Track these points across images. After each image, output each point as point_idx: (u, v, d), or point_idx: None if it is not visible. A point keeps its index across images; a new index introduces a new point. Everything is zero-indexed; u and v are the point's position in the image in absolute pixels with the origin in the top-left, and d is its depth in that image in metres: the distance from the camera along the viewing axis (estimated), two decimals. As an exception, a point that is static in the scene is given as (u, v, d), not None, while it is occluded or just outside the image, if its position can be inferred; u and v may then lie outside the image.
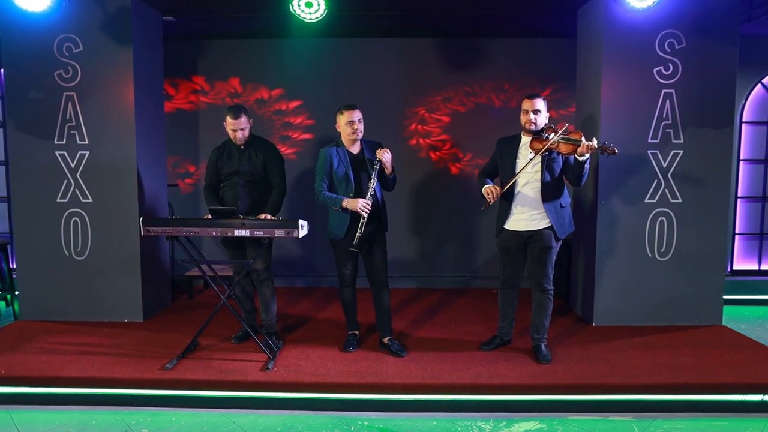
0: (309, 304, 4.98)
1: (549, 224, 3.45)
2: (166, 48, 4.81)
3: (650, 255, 4.22)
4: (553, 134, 3.38)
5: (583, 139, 3.26)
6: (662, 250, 4.22)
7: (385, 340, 3.71)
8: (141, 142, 4.29)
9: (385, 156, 3.41)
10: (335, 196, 3.45)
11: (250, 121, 3.74)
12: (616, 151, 3.24)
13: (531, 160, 3.40)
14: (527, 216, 3.48)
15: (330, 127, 5.78)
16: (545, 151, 3.38)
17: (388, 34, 5.42)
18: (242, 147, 3.74)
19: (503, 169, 3.57)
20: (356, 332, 3.80)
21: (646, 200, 4.19)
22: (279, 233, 3.25)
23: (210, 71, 5.60)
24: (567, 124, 3.41)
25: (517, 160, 3.51)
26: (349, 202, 3.38)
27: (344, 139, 3.50)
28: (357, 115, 3.45)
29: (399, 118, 5.56)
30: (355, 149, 3.52)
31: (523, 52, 5.47)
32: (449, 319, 4.53)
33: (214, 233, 3.28)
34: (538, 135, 3.45)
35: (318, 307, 4.90)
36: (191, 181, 5.71)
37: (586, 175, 3.37)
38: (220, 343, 3.86)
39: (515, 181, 3.45)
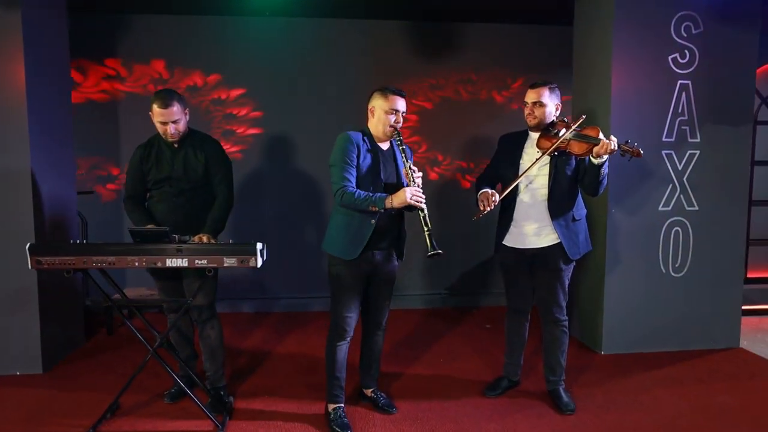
0: (261, 336, 4.10)
1: (557, 241, 2.80)
2: (68, 23, 3.78)
3: (664, 271, 3.68)
4: (563, 130, 2.73)
5: (601, 136, 2.62)
6: (677, 265, 3.69)
7: (369, 392, 2.91)
8: (36, 139, 3.26)
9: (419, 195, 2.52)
10: (371, 194, 2.51)
11: (186, 111, 2.84)
12: (642, 152, 2.63)
13: (537, 161, 2.74)
14: (531, 230, 2.82)
15: (282, 120, 4.95)
16: (554, 150, 2.72)
17: (352, 14, 4.61)
18: (176, 145, 2.84)
19: (505, 172, 2.89)
20: (342, 405, 2.74)
21: (659, 208, 3.64)
22: (230, 262, 2.39)
23: (127, 53, 4.55)
24: (583, 117, 2.76)
25: (521, 161, 2.84)
26: (395, 197, 2.47)
27: (377, 131, 2.65)
28: (403, 104, 2.63)
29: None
30: (386, 146, 2.72)
31: (495, 39, 4.81)
32: (434, 350, 3.80)
33: (137, 263, 2.36)
34: (547, 131, 2.80)
35: (273, 338, 4.03)
36: (114, 186, 4.64)
37: (605, 182, 2.74)
38: (149, 402, 2.92)
39: (516, 185, 2.78)
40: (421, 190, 2.49)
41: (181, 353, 2.97)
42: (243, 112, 4.71)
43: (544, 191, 2.79)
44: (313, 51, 4.67)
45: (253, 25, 4.60)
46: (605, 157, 2.61)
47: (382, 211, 2.51)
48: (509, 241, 2.88)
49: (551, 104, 2.80)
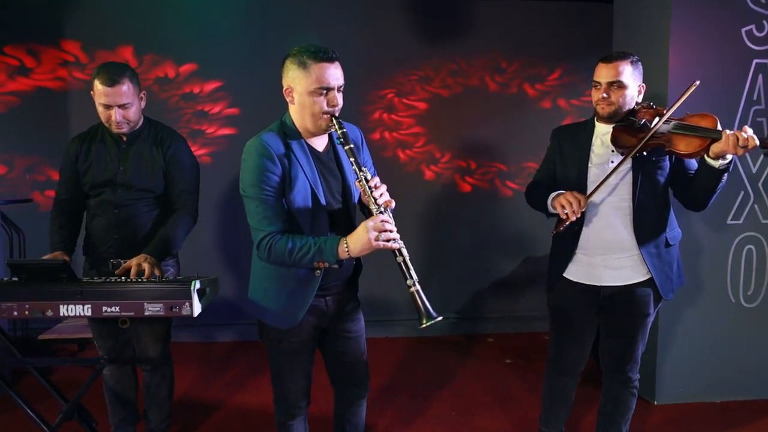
0: (232, 376, 3.37)
1: (646, 275, 2.06)
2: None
3: (733, 300, 2.93)
4: (656, 120, 1.97)
5: (719, 127, 1.88)
6: (750, 293, 2.94)
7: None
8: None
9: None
10: (313, 240, 1.66)
11: (143, 95, 2.18)
12: None
13: (617, 166, 1.99)
14: (608, 260, 2.07)
15: (260, 119, 4.24)
16: (641, 149, 1.97)
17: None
18: (124, 139, 2.18)
19: (565, 179, 2.15)
20: None
21: (728, 221, 2.89)
22: (153, 310, 1.66)
23: (89, 36, 3.87)
24: (693, 87, 1.94)
25: (589, 165, 2.10)
26: (352, 241, 1.64)
27: (303, 123, 1.74)
28: (338, 74, 1.69)
29: (359, 103, 4.04)
30: (322, 143, 1.81)
31: (528, 18, 4.08)
32: (442, 397, 3.07)
33: (16, 312, 1.65)
34: (627, 122, 2.04)
35: (246, 379, 3.30)
36: (54, 193, 3.95)
37: (719, 191, 1.98)
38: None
39: (590, 196, 2.02)
40: (390, 216, 1.63)
41: (114, 417, 2.27)
42: (216, 108, 4.01)
43: (627, 206, 2.04)
44: (304, 31, 3.93)
45: (232, 4, 3.90)
46: (729, 157, 1.87)
47: (336, 267, 1.68)
48: (575, 274, 2.12)
49: (634, 85, 2.03)
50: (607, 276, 2.07)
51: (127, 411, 2.32)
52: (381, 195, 1.65)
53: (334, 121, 1.69)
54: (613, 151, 2.05)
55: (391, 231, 1.62)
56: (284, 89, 1.74)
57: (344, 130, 1.69)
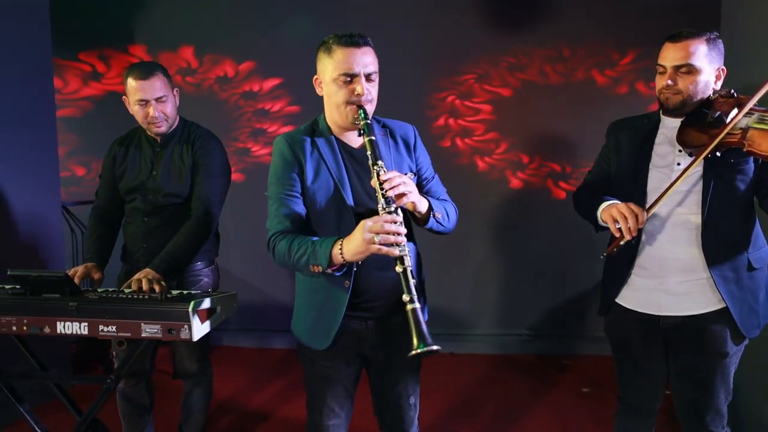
0: (282, 386, 3.23)
1: (720, 305, 1.64)
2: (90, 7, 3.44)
3: None
4: (734, 112, 1.55)
5: None
6: None
7: None
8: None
9: (400, 190, 1.42)
10: (311, 240, 1.48)
11: (176, 92, 2.09)
12: None
13: (685, 170, 1.59)
14: (664, 283, 1.68)
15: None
16: (715, 149, 1.56)
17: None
18: (158, 140, 2.10)
19: (620, 185, 1.77)
20: None
21: None
22: (150, 331, 1.50)
23: (153, 39, 3.91)
24: None
25: (650, 165, 1.70)
26: (346, 244, 1.42)
27: (333, 114, 1.58)
28: (366, 60, 1.50)
29: (422, 106, 3.74)
30: (358, 140, 1.59)
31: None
32: (505, 425, 2.72)
33: (14, 326, 1.55)
34: (698, 115, 1.62)
35: (291, 391, 3.14)
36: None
37: None
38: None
39: (651, 208, 1.63)
40: (398, 217, 1.38)
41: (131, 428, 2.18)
42: (277, 106, 3.89)
43: (696, 219, 1.65)
44: (360, 25, 3.71)
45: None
46: None
47: (330, 272, 1.46)
48: (629, 300, 1.76)
49: (709, 69, 1.63)
50: (666, 303, 1.68)
51: (140, 426, 2.21)
52: (392, 187, 1.39)
53: (360, 113, 1.48)
54: (680, 151, 1.65)
55: (392, 233, 1.35)
56: (314, 80, 1.58)
57: (367, 121, 1.47)
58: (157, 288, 1.74)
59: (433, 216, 1.55)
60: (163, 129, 2.05)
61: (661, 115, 1.75)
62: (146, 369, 2.14)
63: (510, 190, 3.76)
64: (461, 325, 3.85)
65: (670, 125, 1.70)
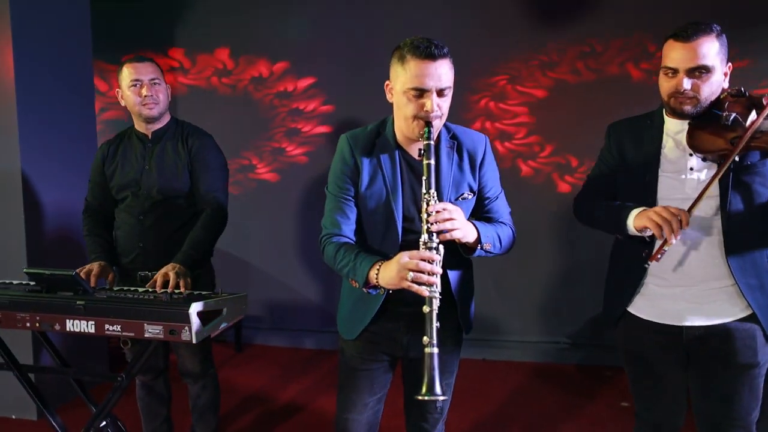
0: (307, 384, 3.21)
1: (746, 312, 1.53)
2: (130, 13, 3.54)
3: None
4: (753, 113, 1.42)
5: None
6: None
7: None
8: (30, 137, 2.72)
9: (440, 217, 1.39)
10: (356, 253, 1.48)
11: (168, 89, 2.11)
12: None
13: (717, 172, 1.46)
14: (690, 293, 1.55)
15: (356, 116, 3.72)
16: (738, 153, 1.44)
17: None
18: (149, 137, 2.09)
19: (627, 189, 1.65)
20: None
21: None
22: (153, 332, 1.49)
23: (190, 42, 3.98)
24: None
25: (660, 171, 1.57)
26: (383, 270, 1.41)
27: (400, 123, 1.53)
28: (440, 74, 1.42)
29: (462, 105, 3.63)
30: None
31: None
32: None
33: (28, 323, 1.58)
34: (708, 117, 1.49)
35: (318, 390, 3.11)
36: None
37: None
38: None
39: (693, 208, 1.50)
40: (437, 255, 1.35)
41: (146, 427, 2.19)
42: (311, 106, 3.88)
43: (716, 224, 1.52)
44: (401, 17, 3.65)
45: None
46: None
47: (365, 291, 1.46)
48: (644, 310, 1.63)
49: (720, 67, 1.49)
50: (689, 312, 1.54)
51: (158, 422, 2.23)
52: (436, 222, 1.35)
53: (425, 129, 1.43)
54: (691, 154, 1.51)
55: (426, 272, 1.32)
56: (385, 84, 1.54)
57: (429, 142, 1.42)
58: (182, 284, 1.74)
59: (481, 248, 1.50)
60: (155, 112, 2.02)
61: (665, 116, 1.60)
62: (161, 366, 2.16)
63: (557, 195, 3.60)
64: (496, 330, 3.71)
65: (675, 128, 1.57)
